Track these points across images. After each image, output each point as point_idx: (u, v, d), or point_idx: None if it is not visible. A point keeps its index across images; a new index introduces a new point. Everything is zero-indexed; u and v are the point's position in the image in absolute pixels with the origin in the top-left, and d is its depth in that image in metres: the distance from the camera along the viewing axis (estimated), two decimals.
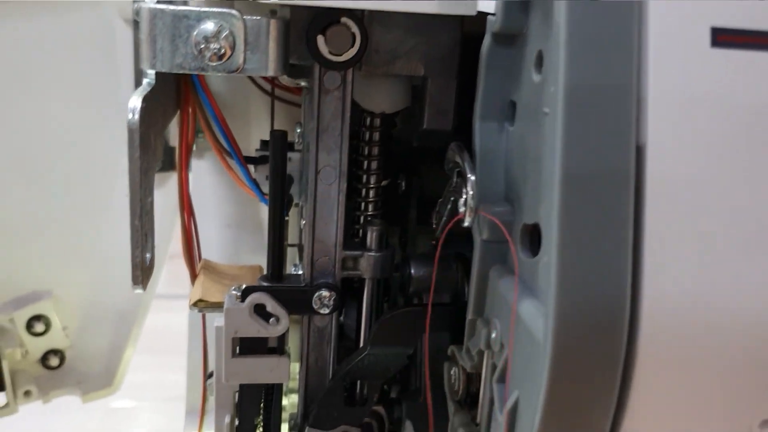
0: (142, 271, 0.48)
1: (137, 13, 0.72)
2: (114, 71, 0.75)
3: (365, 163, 0.59)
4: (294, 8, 0.50)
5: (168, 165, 0.78)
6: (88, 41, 0.74)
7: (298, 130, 0.65)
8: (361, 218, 0.61)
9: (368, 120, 0.58)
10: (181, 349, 1.01)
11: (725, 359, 0.38)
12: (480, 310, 0.49)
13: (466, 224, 0.46)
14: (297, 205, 0.68)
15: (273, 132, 0.55)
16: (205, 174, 0.79)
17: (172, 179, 0.79)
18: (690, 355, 0.38)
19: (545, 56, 0.42)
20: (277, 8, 0.52)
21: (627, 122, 0.36)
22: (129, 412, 1.25)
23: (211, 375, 0.67)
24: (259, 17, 0.48)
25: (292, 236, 0.71)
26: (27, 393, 0.78)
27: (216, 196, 0.79)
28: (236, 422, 0.60)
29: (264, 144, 0.68)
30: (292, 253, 0.81)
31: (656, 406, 0.38)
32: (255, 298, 0.55)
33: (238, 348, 0.57)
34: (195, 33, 0.47)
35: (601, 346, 0.36)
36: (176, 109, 0.59)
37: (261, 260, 0.80)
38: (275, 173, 0.56)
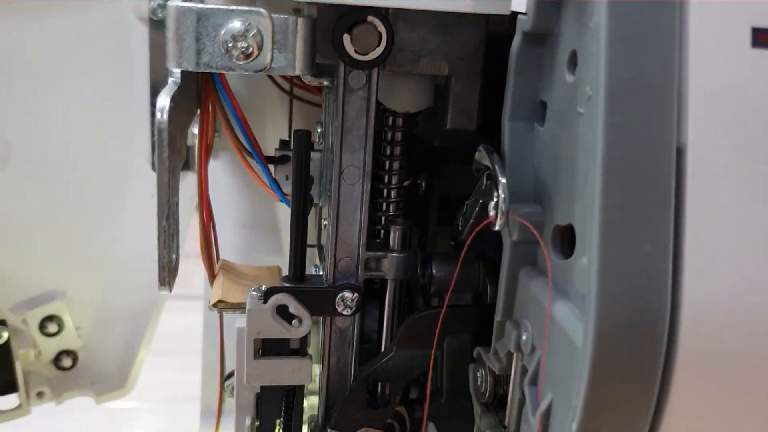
0: (169, 272, 0.48)
1: (153, 11, 0.73)
2: (128, 70, 0.74)
3: (387, 163, 0.59)
4: (320, 6, 0.50)
5: (183, 165, 0.77)
6: (102, 40, 0.73)
7: (319, 130, 0.65)
8: (383, 219, 0.60)
9: (390, 119, 0.58)
10: (183, 350, 1.01)
11: (765, 361, 0.38)
12: (509, 311, 0.48)
13: (496, 228, 0.45)
14: (316, 205, 0.68)
15: (297, 132, 0.54)
16: (220, 174, 0.78)
17: (185, 179, 0.79)
18: (729, 356, 0.38)
19: (579, 56, 0.42)
20: (302, 6, 0.52)
21: (668, 122, 0.36)
22: (129, 413, 1.24)
23: (228, 376, 0.66)
24: (286, 16, 0.48)
25: (310, 237, 0.71)
26: (40, 394, 0.78)
27: (231, 197, 0.78)
28: (256, 424, 0.60)
29: (283, 143, 0.68)
30: (309, 253, 0.81)
31: (695, 409, 0.38)
32: (278, 299, 0.55)
33: (260, 349, 0.57)
34: (223, 32, 0.46)
35: (642, 349, 0.36)
36: (196, 108, 0.58)
37: (276, 260, 0.80)
38: (298, 173, 0.55)
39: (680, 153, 0.37)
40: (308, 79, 0.57)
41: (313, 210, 0.71)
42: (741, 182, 0.37)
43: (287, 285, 0.56)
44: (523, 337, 0.46)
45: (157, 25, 0.73)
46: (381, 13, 0.51)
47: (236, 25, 0.46)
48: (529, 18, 0.45)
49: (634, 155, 0.36)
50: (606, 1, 0.36)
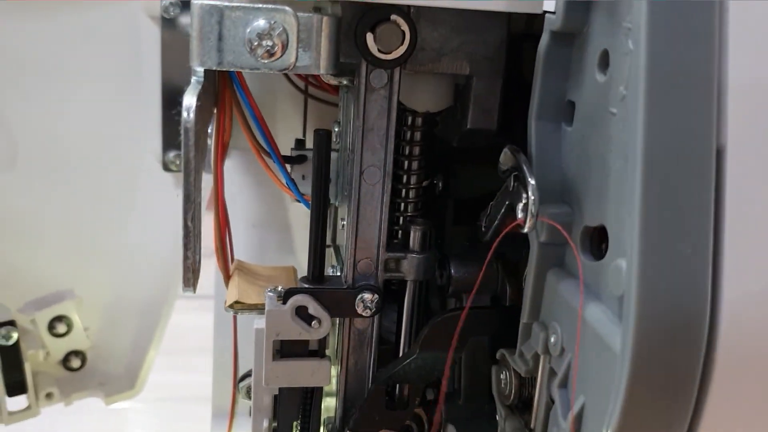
0: (193, 273, 0.47)
1: (165, 10, 0.72)
2: (138, 69, 0.73)
3: (406, 162, 0.58)
4: (343, 4, 0.49)
5: None
6: (113, 39, 0.72)
7: (336, 129, 0.64)
8: (400, 219, 0.60)
9: (410, 119, 0.57)
10: (177, 349, 1.00)
11: None
12: (536, 313, 0.48)
13: (525, 230, 0.45)
14: (331, 205, 0.67)
15: (318, 131, 0.54)
16: (231, 173, 0.77)
17: None
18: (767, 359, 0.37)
19: (612, 55, 0.41)
20: (324, 5, 0.51)
21: (708, 123, 0.36)
22: (125, 413, 1.23)
23: (243, 378, 0.65)
24: (311, 14, 0.47)
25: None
26: (49, 395, 0.77)
27: (241, 196, 0.78)
28: (273, 426, 0.59)
29: (299, 143, 0.67)
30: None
31: (732, 412, 0.38)
32: (297, 300, 0.55)
33: (278, 351, 0.56)
34: (248, 30, 0.45)
35: (681, 353, 0.36)
36: (214, 107, 0.58)
37: (287, 260, 0.80)
38: (318, 173, 0.55)
39: (719, 154, 0.36)
40: (328, 78, 0.57)
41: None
42: None
43: (306, 286, 0.56)
44: (552, 339, 0.45)
45: (169, 23, 0.72)
46: (404, 11, 0.50)
47: (261, 23, 0.46)
48: (558, 17, 0.45)
49: (674, 156, 0.35)
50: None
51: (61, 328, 0.77)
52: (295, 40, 0.46)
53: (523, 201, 0.45)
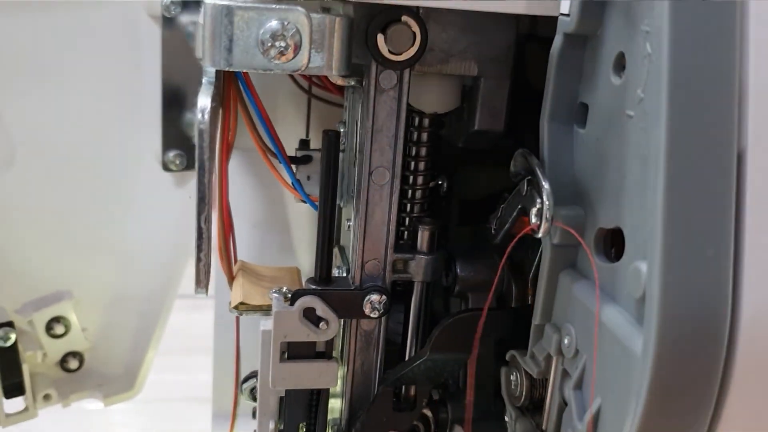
0: (206, 275, 0.47)
1: (167, 9, 0.71)
2: (139, 68, 0.73)
3: (413, 163, 0.58)
4: (354, 6, 0.49)
5: (193, 164, 0.76)
6: (113, 38, 0.72)
7: (341, 130, 0.64)
8: (406, 220, 0.59)
9: (417, 120, 0.57)
10: (172, 349, 0.99)
11: None
12: (548, 315, 0.48)
13: (539, 235, 0.45)
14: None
15: (327, 132, 0.53)
16: (231, 173, 0.77)
17: (194, 178, 0.78)
18: None
19: (628, 58, 0.41)
20: (332, 5, 0.51)
21: (730, 127, 0.36)
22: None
23: (246, 379, 0.65)
24: (323, 15, 0.47)
25: None
26: (46, 396, 0.76)
27: (241, 196, 0.77)
28: (279, 428, 0.59)
29: (303, 143, 0.67)
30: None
31: (751, 414, 0.38)
32: (305, 301, 0.54)
33: (285, 352, 0.56)
34: (261, 31, 0.45)
35: (703, 356, 0.36)
36: (220, 107, 0.57)
37: (288, 260, 0.79)
38: (327, 174, 0.54)
39: (740, 157, 0.36)
40: (335, 79, 0.56)
41: None
42: None
43: (314, 287, 0.55)
44: (565, 341, 0.45)
45: (169, 22, 0.71)
46: (414, 12, 0.50)
47: (274, 23, 0.45)
48: (572, 19, 0.45)
49: (697, 160, 0.36)
50: (668, 2, 0.36)
51: (59, 329, 0.76)
52: (308, 41, 0.46)
53: (537, 206, 0.45)
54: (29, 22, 0.68)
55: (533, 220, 0.45)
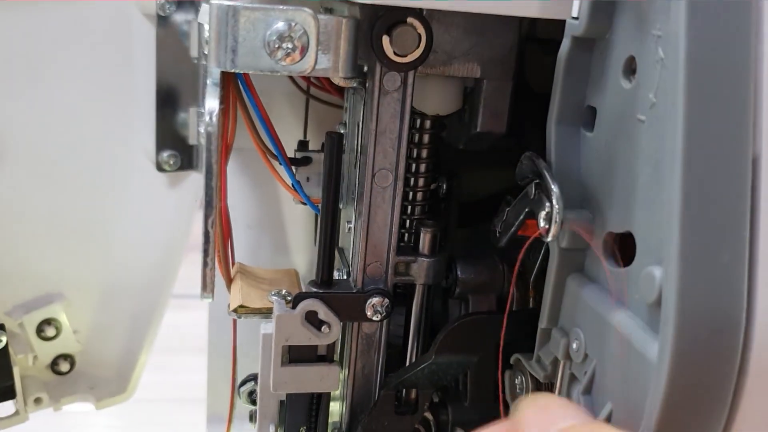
0: (211, 279, 0.46)
1: (161, 7, 0.70)
2: (132, 67, 0.72)
3: (414, 165, 0.58)
4: (360, 6, 0.49)
5: (187, 164, 0.76)
6: (106, 36, 0.71)
7: (342, 132, 0.63)
8: (407, 222, 0.59)
9: (418, 122, 0.57)
10: (163, 349, 0.98)
11: None
12: (555, 319, 0.48)
13: (548, 239, 0.45)
14: None
15: (330, 134, 0.53)
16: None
17: (188, 179, 0.77)
18: None
19: (639, 62, 0.41)
20: (338, 6, 0.50)
21: (745, 132, 0.36)
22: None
23: (244, 382, 0.64)
24: (330, 16, 0.46)
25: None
26: (37, 400, 0.75)
27: (236, 198, 0.76)
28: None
29: (302, 145, 0.66)
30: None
31: (764, 421, 0.38)
32: (307, 304, 0.54)
33: (287, 356, 0.55)
34: (268, 32, 0.45)
35: (719, 362, 0.36)
36: None
37: (283, 262, 0.79)
38: (329, 176, 0.54)
39: (755, 162, 0.36)
40: (339, 80, 0.56)
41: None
42: None
43: (315, 290, 0.55)
44: (573, 346, 0.45)
45: (164, 21, 0.70)
46: (419, 14, 0.50)
47: (281, 25, 0.45)
48: (581, 23, 0.45)
49: (713, 165, 0.36)
50: (684, 8, 0.36)
51: (50, 331, 0.75)
52: (315, 42, 0.46)
53: (546, 209, 0.44)
54: (21, 20, 0.67)
55: (542, 223, 0.45)
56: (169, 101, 0.73)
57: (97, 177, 0.74)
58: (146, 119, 0.73)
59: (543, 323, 0.48)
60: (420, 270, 0.57)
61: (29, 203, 0.72)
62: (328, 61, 0.47)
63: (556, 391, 0.48)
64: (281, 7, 0.45)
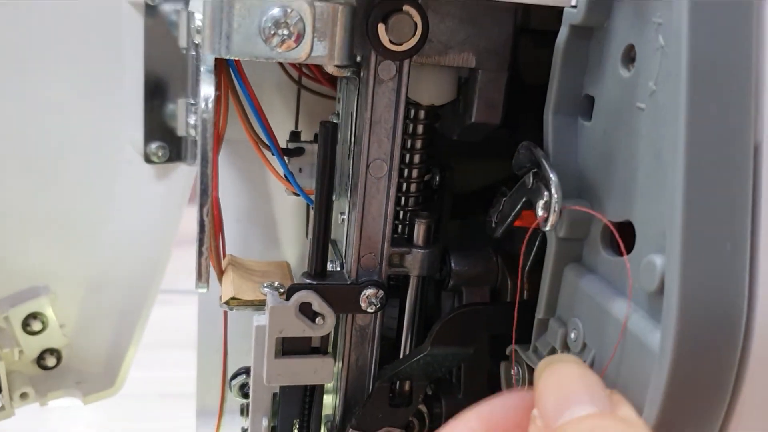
0: (206, 270, 0.45)
1: None
2: (120, 58, 0.71)
3: (408, 156, 0.57)
4: None
5: (175, 156, 0.75)
6: (93, 26, 0.70)
7: (335, 122, 0.63)
8: (400, 213, 0.59)
9: (413, 112, 0.57)
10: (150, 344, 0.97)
11: None
12: (552, 309, 0.48)
13: (547, 228, 0.45)
14: None
15: (324, 123, 0.52)
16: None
17: (177, 171, 0.76)
18: None
19: (638, 51, 0.41)
20: None
21: (747, 120, 0.36)
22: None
23: (235, 375, 0.64)
24: (326, 3, 0.46)
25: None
26: (23, 395, 0.74)
27: (225, 190, 0.76)
28: (272, 425, 0.58)
29: (294, 135, 0.66)
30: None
31: (764, 410, 0.38)
32: (301, 296, 0.53)
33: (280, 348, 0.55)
34: (264, 18, 0.44)
35: (721, 350, 0.36)
36: None
37: (272, 254, 0.78)
38: (323, 166, 0.53)
39: (756, 150, 0.36)
40: (332, 69, 0.55)
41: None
42: None
43: (310, 282, 0.54)
44: (572, 335, 0.45)
45: (152, 10, 0.69)
46: (415, 1, 0.49)
47: (276, 11, 0.44)
48: (579, 11, 0.44)
49: (716, 154, 0.35)
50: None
51: (36, 325, 0.74)
52: (311, 29, 0.45)
53: (545, 198, 0.44)
54: (6, 10, 0.66)
55: (540, 212, 0.45)
56: (158, 92, 0.72)
57: (85, 169, 0.72)
58: (134, 110, 0.71)
59: (540, 313, 0.48)
60: (414, 261, 0.56)
61: (15, 196, 0.71)
62: (324, 49, 0.46)
63: None
64: None
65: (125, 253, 0.76)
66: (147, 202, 0.75)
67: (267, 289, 0.56)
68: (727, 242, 0.35)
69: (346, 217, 0.57)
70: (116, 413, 1.17)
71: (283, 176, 0.59)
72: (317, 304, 0.53)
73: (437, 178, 0.62)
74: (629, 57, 0.42)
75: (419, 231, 0.56)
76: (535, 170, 0.46)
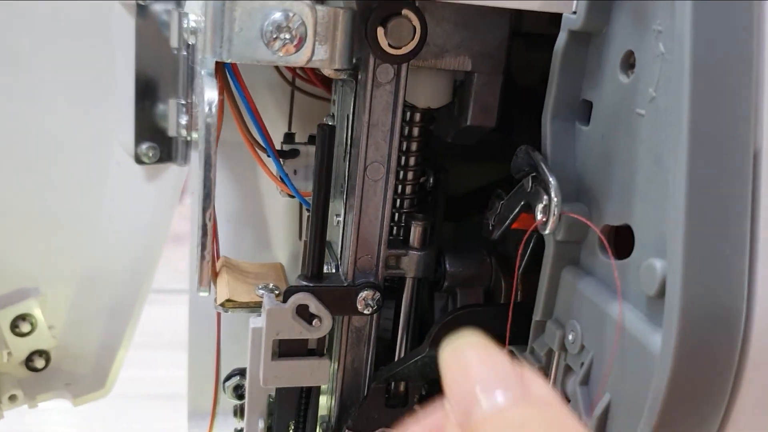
0: (209, 273, 0.45)
1: None
2: (110, 58, 0.70)
3: (403, 158, 0.58)
4: None
5: (166, 156, 0.74)
6: (83, 26, 0.69)
7: (330, 124, 0.63)
8: (396, 215, 0.59)
9: (409, 115, 0.57)
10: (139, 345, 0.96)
11: None
12: (549, 311, 0.48)
13: (546, 232, 0.45)
14: None
15: (321, 125, 0.52)
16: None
17: (167, 172, 0.76)
18: None
19: (638, 57, 0.42)
20: None
21: (747, 127, 0.36)
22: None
23: (229, 377, 0.64)
24: (327, 7, 0.46)
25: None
26: (12, 397, 0.73)
27: (216, 191, 0.76)
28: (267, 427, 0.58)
29: (288, 137, 0.66)
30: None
31: (761, 411, 0.39)
32: (298, 298, 0.53)
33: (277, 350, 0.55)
34: (266, 22, 0.44)
35: (720, 353, 0.36)
36: None
37: (263, 256, 0.78)
38: (321, 168, 0.53)
39: (755, 157, 0.37)
40: (329, 72, 0.55)
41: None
42: None
43: (306, 284, 0.54)
44: (570, 337, 0.46)
45: (143, 10, 0.69)
46: (414, 6, 0.49)
47: (278, 15, 0.44)
48: (579, 17, 0.45)
49: (717, 160, 0.36)
50: (690, 6, 0.36)
51: (24, 327, 0.73)
52: (312, 33, 0.45)
53: (544, 202, 0.45)
54: None
55: (539, 216, 0.45)
56: (149, 92, 0.71)
57: (75, 170, 0.72)
58: (125, 111, 0.71)
59: (537, 315, 0.49)
60: (410, 263, 0.57)
61: (4, 196, 0.71)
62: (325, 53, 0.47)
63: (551, 382, 0.48)
64: None
65: (115, 254, 0.75)
66: (137, 202, 0.74)
67: (263, 291, 0.56)
68: (727, 246, 0.36)
69: (342, 219, 0.57)
70: (107, 414, 1.17)
71: (278, 178, 0.59)
72: (314, 306, 0.54)
73: (431, 180, 0.63)
74: (628, 63, 0.43)
75: (415, 233, 0.56)
76: (534, 174, 0.46)
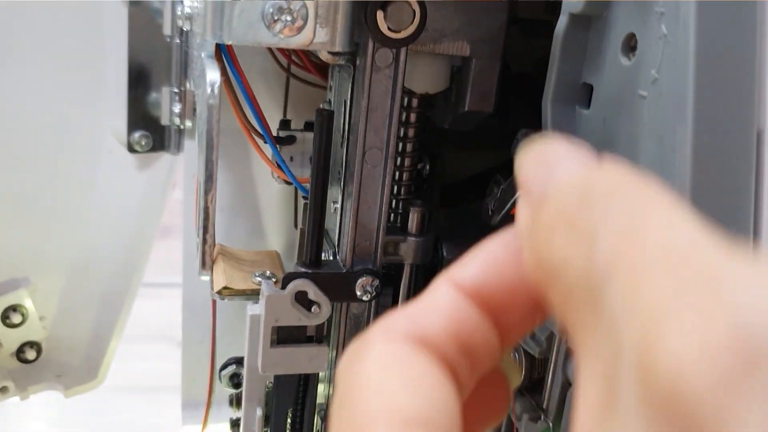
0: (211, 257, 0.45)
1: None
2: (101, 46, 0.70)
3: (401, 144, 0.58)
4: None
5: (159, 145, 0.74)
6: (75, 15, 0.69)
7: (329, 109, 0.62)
8: (393, 202, 0.59)
9: (406, 100, 0.57)
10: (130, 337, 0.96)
11: None
12: None
13: None
14: None
15: (320, 111, 0.52)
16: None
17: (160, 160, 0.75)
18: None
19: (640, 39, 0.42)
20: None
21: (750, 107, 0.37)
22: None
23: (225, 366, 0.64)
24: None
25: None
26: (3, 389, 0.72)
27: None
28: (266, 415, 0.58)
29: (284, 123, 0.65)
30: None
31: None
32: (297, 284, 0.53)
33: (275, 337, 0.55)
34: (267, 4, 0.44)
35: None
36: None
37: (257, 244, 0.78)
38: (319, 154, 0.53)
39: (758, 137, 0.37)
40: (326, 57, 0.55)
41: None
42: None
43: (305, 270, 0.54)
44: None
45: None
46: None
47: None
48: (579, 1, 0.45)
49: (722, 140, 0.36)
50: None
51: (15, 318, 0.73)
52: (313, 15, 0.45)
53: None
54: None
55: None
56: (141, 81, 0.71)
57: (67, 158, 0.71)
58: (117, 99, 0.71)
59: None
60: (409, 250, 0.56)
61: None
62: (326, 35, 0.46)
63: (551, 367, 0.48)
64: None
65: (107, 244, 0.75)
66: (130, 191, 0.74)
67: (260, 279, 0.56)
68: (731, 226, 0.36)
69: (339, 205, 0.57)
70: (99, 406, 1.16)
71: (275, 165, 0.58)
72: (313, 292, 0.53)
73: (427, 166, 0.63)
74: (629, 46, 0.43)
75: (414, 219, 0.56)
76: None
